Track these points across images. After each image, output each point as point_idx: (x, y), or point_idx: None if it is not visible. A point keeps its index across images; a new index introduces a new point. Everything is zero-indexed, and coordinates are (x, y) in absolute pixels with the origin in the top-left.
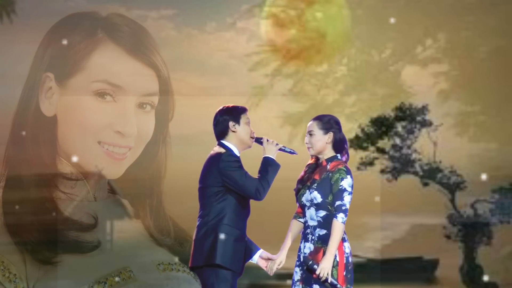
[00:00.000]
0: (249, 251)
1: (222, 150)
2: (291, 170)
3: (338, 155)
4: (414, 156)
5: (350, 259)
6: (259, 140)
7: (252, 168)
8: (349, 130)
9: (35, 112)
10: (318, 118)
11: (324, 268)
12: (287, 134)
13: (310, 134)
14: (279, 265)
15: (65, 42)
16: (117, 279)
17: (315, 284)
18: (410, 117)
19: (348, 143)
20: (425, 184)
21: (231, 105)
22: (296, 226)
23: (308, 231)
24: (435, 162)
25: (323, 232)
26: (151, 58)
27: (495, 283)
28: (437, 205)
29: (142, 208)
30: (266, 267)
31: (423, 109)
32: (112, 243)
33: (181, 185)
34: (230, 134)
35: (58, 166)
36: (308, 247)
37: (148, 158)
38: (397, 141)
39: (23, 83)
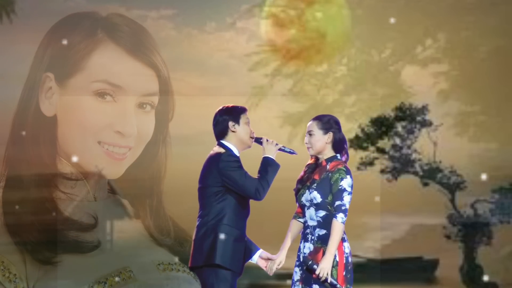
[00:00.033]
0: (249, 251)
1: (222, 150)
2: (290, 170)
3: (338, 155)
4: (414, 156)
5: (349, 259)
6: (258, 140)
7: (251, 168)
8: (349, 130)
9: (35, 112)
10: (318, 118)
11: (323, 268)
12: (287, 134)
13: (310, 134)
14: (278, 265)
15: (65, 42)
16: (117, 279)
17: (315, 284)
18: (410, 117)
19: (348, 143)
20: (425, 184)
21: (230, 105)
22: (295, 226)
23: (308, 231)
24: (435, 162)
25: (323, 232)
26: (151, 58)
27: (495, 283)
28: (437, 205)
29: (142, 208)
30: (265, 267)
31: (423, 109)
32: (112, 243)
33: (181, 185)
34: (230, 134)
35: (58, 166)
36: (308, 247)
37: (148, 158)
38: (397, 141)
39: (23, 83)
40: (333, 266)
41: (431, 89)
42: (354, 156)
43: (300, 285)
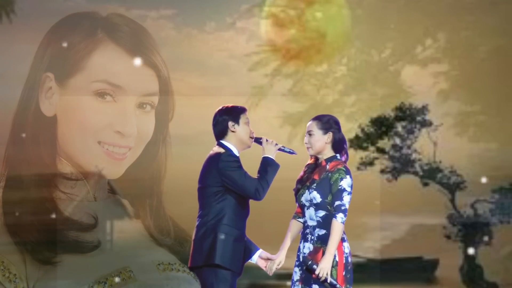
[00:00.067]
0: (249, 251)
1: (222, 150)
2: (290, 170)
3: (338, 155)
4: (414, 156)
5: (349, 259)
6: (258, 140)
7: (251, 168)
8: (349, 130)
9: (35, 112)
10: (318, 118)
11: (323, 268)
12: (286, 134)
13: (310, 134)
14: (278, 265)
15: (65, 44)
16: (117, 279)
17: (315, 284)
18: (410, 117)
19: (348, 143)
20: (425, 184)
21: (230, 105)
22: (295, 226)
23: (308, 231)
24: (435, 162)
25: (323, 232)
26: (151, 58)
27: (495, 283)
28: (437, 205)
29: (142, 208)
30: (265, 267)
31: (423, 109)
32: (112, 243)
33: (181, 185)
34: (230, 134)
35: (58, 166)
36: (308, 247)
37: (148, 158)
38: (397, 141)
39: (23, 83)
40: (332, 266)
41: (431, 89)
42: (354, 156)
43: (300, 285)
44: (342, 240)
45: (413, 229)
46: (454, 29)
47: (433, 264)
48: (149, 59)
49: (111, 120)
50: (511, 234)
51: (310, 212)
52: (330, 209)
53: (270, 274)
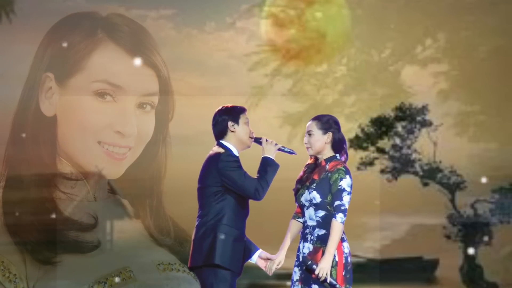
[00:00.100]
0: (248, 251)
1: (221, 150)
2: (290, 170)
3: (337, 155)
4: (414, 156)
5: (349, 259)
6: (258, 140)
7: (251, 168)
8: (349, 130)
9: (35, 112)
10: (317, 118)
11: (323, 268)
12: (286, 134)
13: (309, 134)
14: (278, 265)
15: (65, 45)
16: (117, 279)
17: (314, 284)
18: (410, 117)
19: (348, 143)
20: (425, 184)
21: (230, 105)
22: (295, 226)
23: (307, 231)
24: (435, 162)
25: (322, 232)
26: (151, 58)
27: (495, 283)
28: (437, 205)
29: (142, 208)
30: (265, 267)
31: (423, 109)
32: (112, 243)
33: (181, 185)
34: (229, 134)
35: (58, 166)
36: (307, 247)
37: (148, 158)
38: (397, 141)
39: (23, 83)
40: (332, 266)
41: (431, 89)
42: (354, 156)
43: (300, 285)
44: (342, 240)
45: (413, 229)
46: (454, 29)
47: (433, 264)
48: (149, 59)
49: (111, 120)
50: (511, 234)
51: (309, 212)
52: (329, 209)
53: (270, 274)
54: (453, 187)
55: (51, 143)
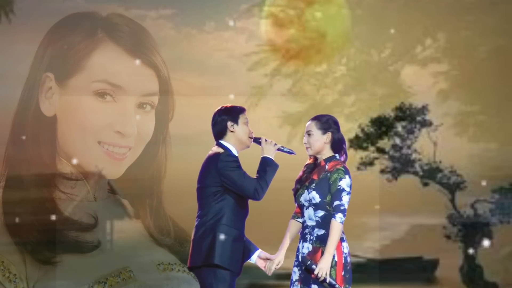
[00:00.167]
0: (248, 251)
1: (221, 150)
2: (289, 170)
3: (337, 155)
4: (414, 156)
5: (348, 259)
6: (257, 140)
7: (250, 168)
8: (349, 130)
9: (35, 112)
10: (317, 118)
11: (322, 268)
12: (286, 134)
13: (309, 134)
14: (277, 265)
15: (65, 44)
16: (117, 279)
17: (314, 284)
18: (410, 117)
19: (347, 143)
20: (425, 184)
21: (229, 105)
22: (294, 226)
23: (307, 231)
24: (435, 162)
25: (322, 232)
26: (151, 58)
27: (495, 283)
28: (437, 205)
29: (142, 208)
30: (264, 267)
31: (423, 109)
32: (112, 243)
33: (181, 185)
34: (229, 134)
35: (58, 166)
36: (307, 247)
37: (148, 158)
38: (397, 141)
39: (23, 83)
40: (331, 266)
41: (431, 89)
42: (354, 156)
43: (299, 285)
44: (341, 240)
45: (413, 229)
46: (454, 29)
47: (433, 264)
48: (149, 59)
49: (111, 120)
50: (511, 234)
51: (309, 212)
52: (329, 209)
53: (269, 274)
54: (453, 187)
55: (51, 143)
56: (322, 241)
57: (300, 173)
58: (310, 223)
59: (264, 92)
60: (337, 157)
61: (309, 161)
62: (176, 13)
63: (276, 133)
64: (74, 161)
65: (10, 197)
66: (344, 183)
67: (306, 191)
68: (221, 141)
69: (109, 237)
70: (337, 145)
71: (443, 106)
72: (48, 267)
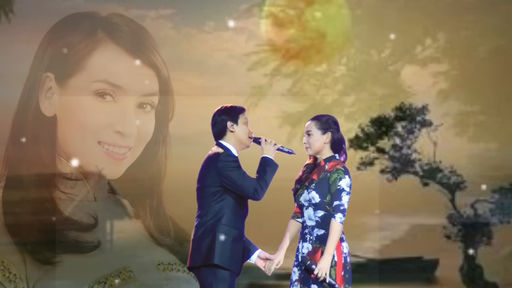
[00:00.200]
0: (247, 251)
1: (220, 150)
2: (289, 170)
3: (336, 155)
4: (414, 156)
5: (348, 259)
6: (257, 140)
7: (250, 168)
8: (349, 130)
9: (35, 112)
10: (316, 118)
11: (322, 268)
12: (286, 134)
13: (308, 134)
14: (277, 265)
15: (65, 44)
16: (117, 279)
17: (313, 284)
18: (410, 117)
19: (347, 143)
20: (425, 184)
21: (229, 105)
22: (294, 226)
23: (306, 231)
24: (435, 162)
25: (321, 232)
26: (151, 58)
27: (495, 283)
28: (437, 205)
29: (142, 208)
30: (264, 267)
31: (423, 109)
32: (112, 243)
33: (181, 185)
34: (228, 134)
35: (58, 166)
36: (306, 247)
37: (148, 158)
38: (397, 141)
39: (23, 83)
40: (331, 266)
41: (431, 89)
42: (354, 156)
43: (299, 285)
44: (341, 240)
45: (413, 229)
46: (454, 29)
47: (433, 264)
48: (149, 59)
49: (111, 120)
50: (511, 234)
51: (309, 212)
52: (329, 209)
53: (269, 274)
54: (453, 187)
55: (51, 143)
56: (321, 241)
57: (300, 173)
58: (309, 223)
59: (264, 92)
60: (337, 157)
61: (309, 161)
62: (176, 13)
63: (276, 133)
64: (74, 161)
65: (10, 197)
66: (344, 183)
67: (305, 191)
68: (221, 141)
69: (109, 237)
70: (337, 145)
71: (443, 106)
72: (48, 267)
